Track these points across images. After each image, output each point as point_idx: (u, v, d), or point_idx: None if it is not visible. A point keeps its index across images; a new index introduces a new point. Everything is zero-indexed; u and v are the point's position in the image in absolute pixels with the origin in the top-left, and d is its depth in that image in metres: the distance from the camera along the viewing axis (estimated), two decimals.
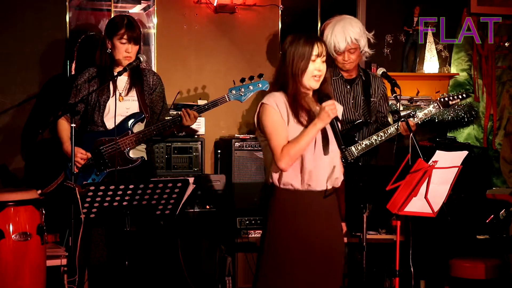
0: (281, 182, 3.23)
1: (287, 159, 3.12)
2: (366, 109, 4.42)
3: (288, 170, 3.19)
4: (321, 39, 3.27)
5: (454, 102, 4.35)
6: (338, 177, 3.32)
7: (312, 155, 3.21)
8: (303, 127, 3.20)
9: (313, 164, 3.20)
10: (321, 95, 3.22)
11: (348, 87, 4.40)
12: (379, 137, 4.27)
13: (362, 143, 4.28)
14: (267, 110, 3.20)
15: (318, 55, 3.20)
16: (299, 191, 3.22)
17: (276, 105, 3.19)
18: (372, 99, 4.37)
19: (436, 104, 4.33)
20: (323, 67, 3.23)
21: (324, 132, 3.25)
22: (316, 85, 3.23)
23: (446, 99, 4.34)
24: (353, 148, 4.27)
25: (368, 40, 4.49)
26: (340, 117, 3.29)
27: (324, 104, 3.15)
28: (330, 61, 4.24)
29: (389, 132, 4.24)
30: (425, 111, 4.32)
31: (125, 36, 4.11)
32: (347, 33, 4.28)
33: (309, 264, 3.21)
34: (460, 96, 4.38)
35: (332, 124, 3.20)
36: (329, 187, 3.27)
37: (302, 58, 3.18)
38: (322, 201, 3.25)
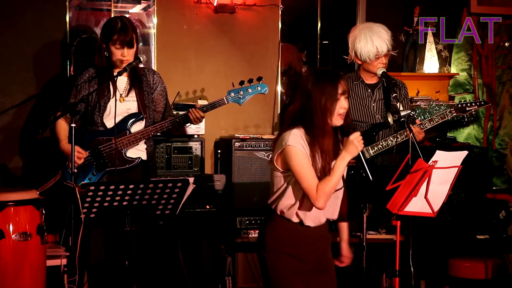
0: (282, 214, 3.25)
1: (324, 198, 3.13)
2: (386, 112, 4.43)
3: (293, 207, 3.22)
4: (343, 76, 3.25)
5: (471, 108, 4.37)
6: (336, 212, 3.34)
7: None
8: (318, 166, 3.20)
9: (311, 205, 3.21)
10: (346, 127, 3.20)
11: (369, 91, 4.44)
12: (395, 139, 4.30)
13: (379, 144, 4.31)
14: (295, 152, 3.16)
15: (342, 93, 3.20)
16: (297, 225, 3.24)
17: (302, 146, 3.18)
18: (393, 102, 4.39)
19: (453, 109, 4.35)
20: (347, 104, 3.22)
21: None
22: (340, 123, 3.22)
23: (464, 105, 4.36)
24: (369, 148, 4.31)
25: None
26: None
27: (351, 137, 3.14)
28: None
29: (405, 134, 4.26)
30: (442, 115, 4.34)
31: (118, 42, 4.10)
32: (384, 37, 4.34)
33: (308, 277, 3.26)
34: (478, 103, 4.40)
35: (358, 157, 3.19)
36: (324, 220, 3.31)
37: (329, 98, 3.17)
38: (318, 233, 3.30)
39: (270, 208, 3.29)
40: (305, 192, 3.16)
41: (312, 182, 3.14)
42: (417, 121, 4.34)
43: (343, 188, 3.34)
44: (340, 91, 3.18)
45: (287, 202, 3.23)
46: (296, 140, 3.18)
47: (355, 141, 3.13)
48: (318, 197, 3.12)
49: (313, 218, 3.24)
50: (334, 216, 3.35)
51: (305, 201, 3.20)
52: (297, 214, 3.23)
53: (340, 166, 3.14)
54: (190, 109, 4.23)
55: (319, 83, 3.19)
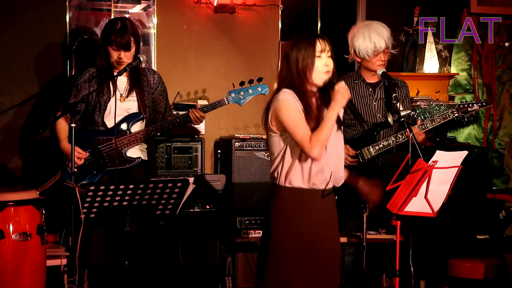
0: (286, 181, 3.24)
1: (319, 146, 3.14)
2: (387, 111, 4.43)
3: (295, 169, 3.21)
4: (322, 35, 3.30)
5: (473, 109, 4.37)
6: (341, 175, 3.33)
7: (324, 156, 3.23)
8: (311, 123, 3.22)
9: (319, 163, 3.22)
10: (330, 79, 3.23)
11: (371, 89, 4.42)
12: (396, 139, 4.30)
13: (380, 144, 4.30)
14: (286, 105, 3.20)
15: (322, 51, 3.23)
16: (303, 190, 3.23)
17: (293, 100, 3.22)
18: (394, 102, 4.39)
19: (455, 110, 4.34)
20: (330, 62, 3.26)
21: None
22: (324, 79, 3.25)
23: (466, 105, 4.36)
24: (370, 148, 4.30)
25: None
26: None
27: (336, 87, 3.19)
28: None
29: (405, 134, 4.26)
30: (444, 116, 4.33)
31: (114, 43, 4.10)
32: (382, 34, 4.34)
33: (310, 263, 3.22)
34: (480, 104, 4.40)
35: (347, 105, 3.24)
36: (331, 185, 3.29)
37: (307, 57, 3.22)
38: (324, 199, 3.27)
39: (273, 179, 3.28)
40: (299, 144, 3.17)
41: (306, 133, 3.16)
42: (418, 122, 4.33)
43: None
44: (318, 48, 3.22)
45: (288, 163, 3.23)
46: (287, 95, 3.22)
47: (341, 89, 3.18)
48: (312, 146, 3.14)
49: (319, 176, 3.22)
50: (338, 179, 3.33)
51: (304, 157, 3.21)
52: (301, 174, 3.21)
53: (331, 116, 3.17)
54: (191, 109, 4.23)
55: (296, 45, 3.26)
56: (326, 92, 3.28)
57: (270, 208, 3.28)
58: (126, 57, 4.13)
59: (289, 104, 3.20)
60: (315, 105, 3.27)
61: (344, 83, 3.21)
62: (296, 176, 3.22)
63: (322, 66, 3.23)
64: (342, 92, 3.17)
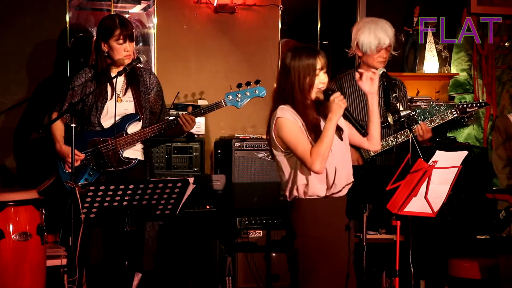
0: (306, 194, 3.28)
1: (320, 159, 3.17)
2: (386, 111, 4.42)
3: (312, 181, 3.25)
4: (321, 51, 3.34)
5: (472, 109, 4.37)
6: (351, 181, 3.38)
7: (331, 162, 3.27)
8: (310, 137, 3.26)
9: (334, 170, 3.28)
10: (326, 90, 3.27)
11: None
12: (395, 139, 4.29)
13: None
14: (286, 123, 3.25)
15: (321, 68, 3.28)
16: (323, 199, 3.29)
17: (292, 117, 3.26)
18: (394, 102, 4.39)
19: (454, 110, 4.35)
20: (326, 78, 3.32)
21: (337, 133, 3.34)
22: (320, 96, 3.31)
23: (465, 106, 4.36)
24: None
25: None
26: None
27: (332, 97, 3.22)
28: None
29: (405, 134, 4.25)
30: (443, 116, 4.34)
31: (121, 36, 4.10)
32: (387, 32, 4.35)
33: (337, 266, 3.33)
34: (479, 104, 4.40)
35: (345, 115, 3.26)
36: (345, 191, 3.37)
37: (308, 74, 3.25)
38: (340, 205, 3.35)
39: (289, 196, 3.32)
40: (300, 159, 3.21)
41: (306, 148, 3.19)
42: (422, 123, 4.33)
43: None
44: (318, 66, 3.26)
45: (302, 181, 3.27)
46: (286, 113, 3.26)
47: (337, 100, 3.21)
48: (313, 160, 3.16)
49: (336, 184, 3.27)
50: (350, 178, 3.38)
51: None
52: (320, 185, 3.25)
53: (329, 128, 3.20)
54: (181, 114, 4.20)
55: (296, 59, 3.27)
56: (320, 103, 3.31)
57: (293, 223, 3.34)
58: (131, 48, 4.13)
59: (287, 121, 3.24)
60: (314, 118, 3.30)
61: (339, 93, 3.25)
62: (316, 187, 3.27)
63: (319, 83, 3.28)
64: (338, 103, 3.20)
